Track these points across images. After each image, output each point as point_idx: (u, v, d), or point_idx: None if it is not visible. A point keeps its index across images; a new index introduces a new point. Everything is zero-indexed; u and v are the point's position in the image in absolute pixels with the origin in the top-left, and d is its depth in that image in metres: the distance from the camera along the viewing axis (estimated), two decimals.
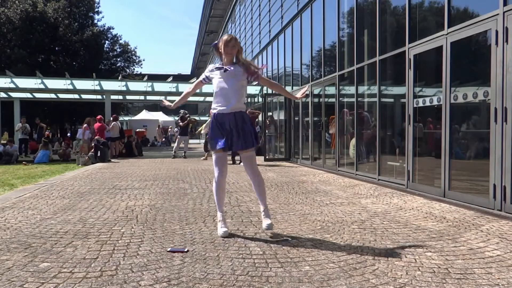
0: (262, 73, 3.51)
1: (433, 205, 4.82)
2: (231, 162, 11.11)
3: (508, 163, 4.25)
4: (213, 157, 3.50)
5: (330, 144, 9.58)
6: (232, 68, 3.42)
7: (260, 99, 16.31)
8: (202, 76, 3.62)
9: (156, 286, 2.29)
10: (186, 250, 2.96)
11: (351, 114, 8.11)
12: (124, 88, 17.57)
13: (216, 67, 3.49)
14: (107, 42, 29.73)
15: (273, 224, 3.46)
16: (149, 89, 17.77)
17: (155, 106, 43.16)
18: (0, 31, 24.11)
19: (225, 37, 3.47)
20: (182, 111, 15.06)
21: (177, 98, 4.10)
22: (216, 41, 3.58)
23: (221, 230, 3.38)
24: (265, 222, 3.40)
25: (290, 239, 3.27)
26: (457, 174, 5.25)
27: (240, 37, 22.25)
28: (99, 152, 12.17)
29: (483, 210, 4.43)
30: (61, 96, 19.49)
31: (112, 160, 13.01)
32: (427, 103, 5.71)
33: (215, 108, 3.43)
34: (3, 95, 17.18)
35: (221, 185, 3.49)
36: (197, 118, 28.88)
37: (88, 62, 26.69)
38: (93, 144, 12.42)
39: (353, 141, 8.09)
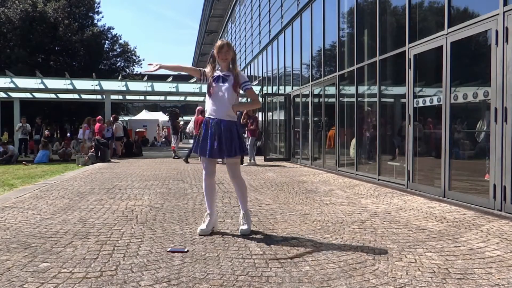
0: (249, 86, 3.53)
1: (433, 205, 4.82)
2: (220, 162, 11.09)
3: (508, 163, 4.25)
4: (202, 161, 3.59)
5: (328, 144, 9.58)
6: (227, 75, 3.46)
7: (260, 99, 16.32)
8: (202, 69, 3.60)
9: (156, 286, 2.29)
10: (186, 250, 2.96)
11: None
12: (124, 88, 17.55)
13: (216, 73, 3.50)
14: (107, 42, 29.74)
15: (249, 230, 3.44)
16: (149, 89, 17.75)
17: (155, 106, 43.20)
18: (0, 31, 24.11)
19: (218, 43, 3.50)
20: (172, 109, 15.06)
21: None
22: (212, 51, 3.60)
23: (199, 227, 3.50)
24: (241, 227, 3.47)
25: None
26: (457, 174, 5.24)
27: (240, 37, 22.26)
28: (99, 152, 12.17)
29: (483, 210, 4.43)
30: (61, 96, 19.47)
31: (112, 160, 13.01)
32: (427, 103, 5.71)
33: (207, 113, 3.51)
34: (3, 95, 17.16)
35: (209, 185, 3.56)
36: (196, 117, 28.72)
37: (88, 62, 26.68)
38: (93, 144, 12.42)
39: (353, 142, 8.09)
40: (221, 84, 3.45)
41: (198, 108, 12.27)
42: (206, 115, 3.50)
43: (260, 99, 16.43)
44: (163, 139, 27.44)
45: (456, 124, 5.28)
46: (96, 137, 12.76)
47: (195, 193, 5.73)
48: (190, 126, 12.99)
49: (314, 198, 5.36)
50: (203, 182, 3.57)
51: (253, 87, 3.58)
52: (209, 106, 3.47)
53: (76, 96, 20.13)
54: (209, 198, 3.56)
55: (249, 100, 3.74)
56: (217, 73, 3.50)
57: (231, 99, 3.44)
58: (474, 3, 5.09)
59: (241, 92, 3.57)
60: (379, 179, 6.91)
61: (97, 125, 13.46)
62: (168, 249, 2.97)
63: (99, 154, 12.16)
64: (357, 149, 7.90)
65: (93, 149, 12.26)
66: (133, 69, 31.92)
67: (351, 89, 8.24)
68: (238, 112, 11.89)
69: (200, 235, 3.39)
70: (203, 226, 3.47)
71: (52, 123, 31.02)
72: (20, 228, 3.67)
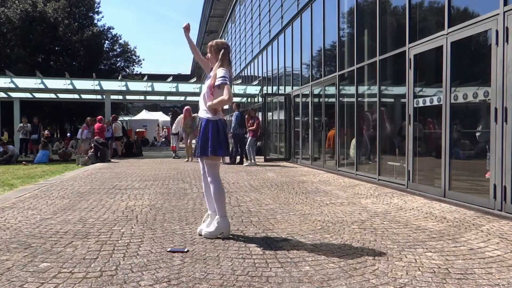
0: (219, 83, 3.28)
1: (433, 205, 4.82)
2: (228, 162, 11.11)
3: (508, 163, 4.25)
4: None
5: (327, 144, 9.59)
6: (209, 76, 3.44)
7: (260, 99, 16.32)
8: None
9: (156, 286, 2.29)
10: (186, 250, 2.96)
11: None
12: (124, 88, 17.54)
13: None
14: (107, 42, 29.76)
15: (207, 233, 3.31)
16: (149, 89, 17.75)
17: (155, 106, 43.20)
18: (0, 31, 24.12)
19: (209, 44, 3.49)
20: (174, 109, 15.04)
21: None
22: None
23: (199, 227, 3.50)
24: (203, 226, 3.42)
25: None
26: (457, 174, 5.24)
27: (240, 37, 22.26)
28: (98, 152, 12.16)
29: (484, 210, 4.43)
30: (61, 96, 19.47)
31: (112, 160, 13.01)
32: (427, 103, 5.71)
33: None
34: (3, 95, 17.15)
35: (206, 184, 3.51)
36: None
37: (88, 62, 26.70)
38: (92, 145, 12.40)
39: (353, 142, 8.09)
40: (204, 84, 3.48)
41: (186, 108, 12.06)
42: None
43: (260, 99, 16.47)
44: (163, 139, 27.45)
45: (456, 124, 5.28)
46: (95, 137, 12.75)
47: (195, 193, 5.73)
48: (176, 125, 12.67)
49: (314, 198, 5.36)
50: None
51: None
52: None
53: (76, 96, 20.13)
54: (207, 197, 3.54)
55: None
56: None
57: (206, 98, 3.36)
58: (474, 3, 5.09)
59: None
60: (379, 179, 6.91)
61: (98, 125, 13.46)
62: (168, 249, 2.97)
63: (99, 154, 12.16)
64: (357, 149, 7.90)
65: (92, 150, 12.25)
66: (133, 69, 31.99)
67: (351, 89, 8.24)
68: (237, 112, 11.93)
69: (200, 234, 3.39)
70: (202, 226, 3.47)
71: (52, 123, 31.05)
72: (20, 228, 3.67)
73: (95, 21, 29.36)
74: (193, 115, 11.91)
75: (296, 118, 12.13)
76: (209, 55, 3.45)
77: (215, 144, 3.30)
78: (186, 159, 12.49)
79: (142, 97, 21.03)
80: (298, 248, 3.02)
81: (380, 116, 7.08)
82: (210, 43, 3.47)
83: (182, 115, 12.20)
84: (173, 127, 13.10)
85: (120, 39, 30.64)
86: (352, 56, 8.05)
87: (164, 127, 28.84)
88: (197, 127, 3.44)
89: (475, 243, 3.16)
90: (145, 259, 2.75)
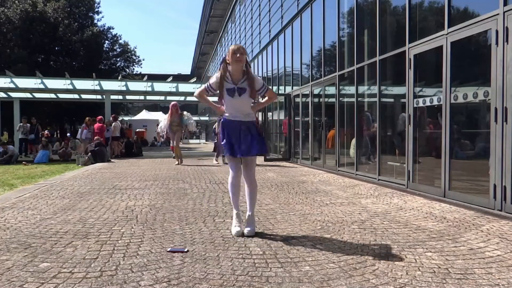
0: (266, 89, 3.67)
1: (433, 205, 4.82)
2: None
3: (508, 163, 4.25)
4: (227, 160, 3.72)
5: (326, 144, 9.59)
6: (242, 88, 3.45)
7: (260, 99, 16.31)
8: (206, 86, 3.61)
9: (156, 286, 2.29)
10: (186, 250, 2.96)
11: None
12: (124, 88, 17.57)
13: (228, 85, 3.47)
14: (107, 42, 29.79)
15: (254, 231, 3.41)
16: (149, 89, 17.78)
17: (155, 106, 43.20)
18: (0, 31, 24.13)
19: (232, 47, 3.50)
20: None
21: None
22: (224, 56, 3.62)
23: (234, 229, 3.47)
24: (246, 228, 3.44)
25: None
26: (457, 174, 5.24)
27: (240, 37, 22.26)
28: (96, 154, 12.13)
29: (483, 210, 4.43)
30: (61, 96, 19.50)
31: (112, 160, 13.01)
32: (427, 103, 5.71)
33: (225, 116, 3.55)
34: (3, 95, 17.18)
35: (235, 185, 3.62)
36: (196, 118, 28.76)
37: (88, 62, 26.72)
38: (89, 150, 12.35)
39: (353, 142, 8.09)
40: (237, 96, 3.45)
41: (172, 103, 11.30)
42: (226, 116, 3.53)
43: (260, 99, 16.43)
44: (163, 139, 27.46)
45: (456, 124, 5.28)
46: (96, 137, 12.74)
47: (195, 193, 5.73)
48: (162, 125, 11.77)
49: (314, 198, 5.36)
50: (230, 181, 3.60)
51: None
52: (228, 110, 3.52)
53: (76, 96, 20.16)
54: (234, 197, 3.60)
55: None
56: (229, 85, 3.45)
57: (248, 104, 3.54)
58: (474, 3, 5.09)
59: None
60: (379, 179, 6.91)
61: (98, 125, 13.46)
62: (168, 249, 2.97)
63: (97, 155, 12.14)
64: (357, 149, 7.90)
65: (89, 154, 12.21)
66: (133, 69, 32.02)
67: (351, 89, 8.24)
68: None
69: (236, 236, 3.36)
70: (237, 227, 3.44)
71: (52, 123, 31.05)
72: (20, 228, 3.67)
73: (95, 21, 29.42)
74: (179, 112, 11.40)
75: (296, 118, 12.13)
76: (241, 51, 3.44)
77: (262, 143, 3.55)
78: (176, 162, 11.07)
79: (142, 97, 21.08)
80: (298, 248, 3.02)
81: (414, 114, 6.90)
82: (242, 47, 3.51)
83: (169, 113, 11.34)
84: (160, 125, 12.34)
85: (120, 39, 30.70)
86: (352, 56, 8.05)
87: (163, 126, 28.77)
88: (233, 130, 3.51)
89: (475, 243, 3.16)
90: (145, 259, 2.75)
